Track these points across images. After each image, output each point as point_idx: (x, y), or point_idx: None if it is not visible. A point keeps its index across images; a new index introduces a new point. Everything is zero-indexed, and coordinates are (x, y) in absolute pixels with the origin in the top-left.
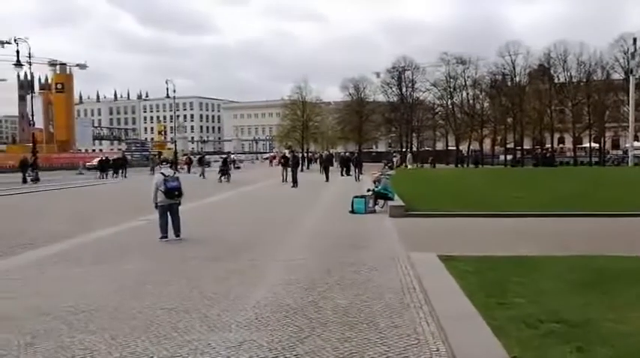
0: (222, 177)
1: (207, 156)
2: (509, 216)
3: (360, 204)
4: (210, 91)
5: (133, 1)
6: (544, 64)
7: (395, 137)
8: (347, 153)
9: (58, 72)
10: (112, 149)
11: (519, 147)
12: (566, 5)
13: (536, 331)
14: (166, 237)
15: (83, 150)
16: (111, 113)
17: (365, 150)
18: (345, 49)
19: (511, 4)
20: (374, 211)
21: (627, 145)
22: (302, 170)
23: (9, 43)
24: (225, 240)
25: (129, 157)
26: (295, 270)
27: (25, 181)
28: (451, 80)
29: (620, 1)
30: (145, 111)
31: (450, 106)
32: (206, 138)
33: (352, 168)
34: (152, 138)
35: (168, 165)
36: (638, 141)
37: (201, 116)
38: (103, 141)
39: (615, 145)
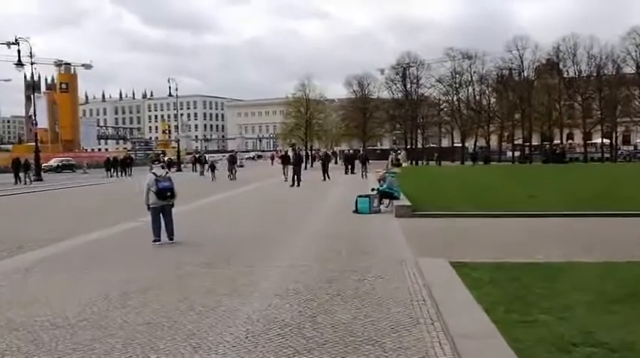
0: (229, 175)
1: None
2: (524, 216)
3: (365, 203)
4: (216, 90)
5: (137, 2)
6: (552, 59)
7: (399, 134)
8: (351, 151)
9: (62, 72)
10: (117, 148)
11: (527, 144)
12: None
13: (571, 357)
14: (159, 241)
15: (89, 150)
16: (116, 112)
17: (369, 148)
18: (349, 46)
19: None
20: (379, 211)
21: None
22: (305, 168)
23: (15, 43)
24: (221, 243)
25: (133, 156)
26: (293, 278)
27: (18, 182)
28: (457, 76)
29: None
30: (149, 111)
31: (456, 102)
32: (210, 137)
33: (359, 165)
34: (157, 137)
35: (160, 164)
36: None
37: (205, 114)
38: (109, 141)
39: (626, 141)
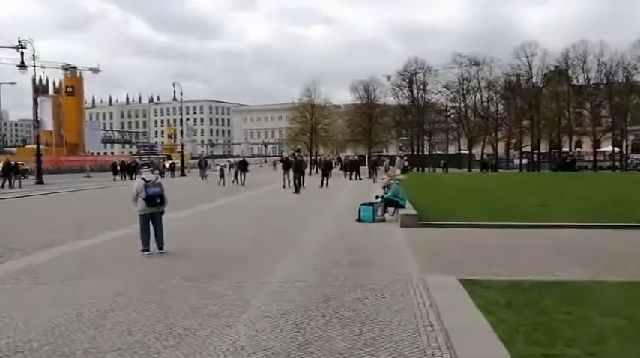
0: (235, 181)
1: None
2: (536, 226)
3: (368, 211)
4: (222, 95)
5: (144, 7)
6: (561, 66)
7: (406, 140)
8: (356, 157)
9: (68, 75)
10: (122, 152)
11: (535, 151)
12: (580, 7)
13: None
14: (148, 250)
15: (95, 153)
16: (122, 117)
17: (375, 154)
18: (355, 52)
19: (524, 6)
20: (383, 220)
21: None
22: (310, 174)
23: (20, 47)
24: (213, 254)
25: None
26: (287, 296)
27: (9, 185)
28: (464, 82)
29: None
30: (156, 115)
31: (463, 109)
32: (215, 141)
33: (365, 170)
34: (163, 142)
35: (150, 169)
36: None
37: (211, 119)
38: (115, 145)
39: (635, 149)
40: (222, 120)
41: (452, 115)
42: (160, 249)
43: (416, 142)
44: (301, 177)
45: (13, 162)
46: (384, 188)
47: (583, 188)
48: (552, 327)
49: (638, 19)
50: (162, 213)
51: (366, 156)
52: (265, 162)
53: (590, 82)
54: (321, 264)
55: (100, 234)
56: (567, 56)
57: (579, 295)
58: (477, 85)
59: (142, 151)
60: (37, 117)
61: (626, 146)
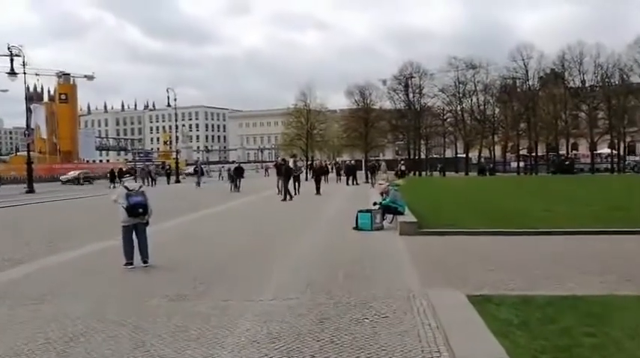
0: (233, 187)
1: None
2: (541, 233)
3: (366, 219)
4: (218, 101)
5: (138, 14)
6: (557, 68)
7: (402, 144)
8: (352, 162)
9: (61, 82)
10: (117, 159)
11: (532, 154)
12: (574, 9)
13: None
14: (132, 264)
15: (91, 161)
16: (118, 124)
17: (371, 158)
18: (349, 57)
19: (518, 10)
20: (382, 227)
21: None
22: (306, 179)
23: (18, 55)
24: (200, 268)
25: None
26: (278, 316)
27: None
28: (460, 85)
29: (626, 4)
30: (151, 122)
31: (460, 112)
32: (210, 148)
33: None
34: (158, 148)
35: (132, 177)
36: None
37: (206, 125)
38: (110, 152)
39: (631, 151)
40: (218, 126)
41: (448, 119)
42: (145, 262)
43: (412, 146)
44: (296, 184)
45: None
46: (381, 194)
47: (584, 191)
48: (578, 354)
49: (633, 20)
50: (147, 223)
51: (363, 160)
52: (261, 167)
53: (587, 84)
54: (316, 277)
55: (82, 247)
56: (564, 58)
57: (600, 312)
58: (474, 89)
59: (137, 158)
60: (27, 124)
61: (624, 148)
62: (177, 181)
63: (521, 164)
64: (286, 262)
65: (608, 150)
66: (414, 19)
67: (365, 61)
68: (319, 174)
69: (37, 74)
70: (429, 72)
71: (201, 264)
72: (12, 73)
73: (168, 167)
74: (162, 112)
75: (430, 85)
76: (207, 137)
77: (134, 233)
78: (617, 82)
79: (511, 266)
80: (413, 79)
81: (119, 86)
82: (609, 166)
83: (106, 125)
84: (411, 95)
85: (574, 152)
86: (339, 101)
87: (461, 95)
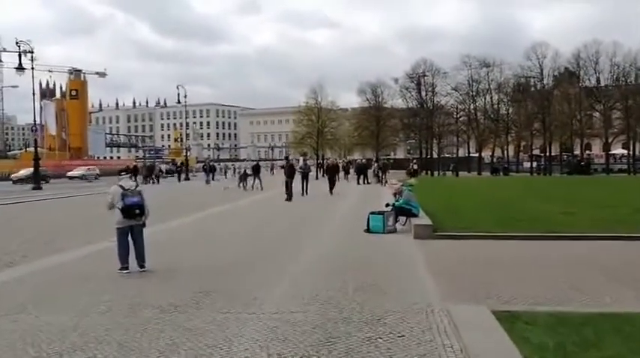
0: (243, 184)
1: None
2: (565, 238)
3: (378, 221)
4: (229, 99)
5: (147, 12)
6: (572, 67)
7: (414, 143)
8: (364, 160)
9: (72, 79)
10: (129, 156)
11: (547, 154)
12: (588, 8)
13: None
14: (127, 269)
15: (102, 158)
16: (129, 121)
17: (382, 157)
18: (360, 56)
19: (531, 9)
20: (395, 230)
21: None
22: (317, 178)
23: (31, 52)
24: (200, 273)
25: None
26: (279, 334)
27: None
28: (474, 84)
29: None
30: (162, 119)
31: (473, 111)
32: (221, 145)
33: (379, 173)
34: (169, 145)
35: (128, 175)
36: None
37: (217, 123)
38: (121, 149)
39: None
40: (229, 123)
41: (461, 118)
42: (142, 267)
43: (424, 145)
44: (304, 183)
45: None
46: (394, 195)
47: (603, 193)
48: None
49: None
50: (144, 225)
51: (374, 159)
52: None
53: (603, 84)
54: (323, 287)
55: (77, 248)
56: (579, 57)
57: None
58: (487, 87)
59: (148, 155)
60: (35, 121)
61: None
62: (187, 178)
63: (534, 164)
64: (292, 269)
65: (623, 151)
66: (425, 18)
67: (376, 59)
68: (333, 173)
69: (49, 71)
70: (441, 70)
71: (203, 269)
72: (20, 68)
73: (179, 164)
74: (173, 110)
75: (443, 83)
76: (217, 135)
77: (130, 235)
78: (633, 82)
79: (537, 275)
80: (426, 77)
81: (130, 83)
82: (624, 167)
83: (117, 122)
84: (423, 93)
85: (587, 152)
86: (350, 100)
87: (474, 94)
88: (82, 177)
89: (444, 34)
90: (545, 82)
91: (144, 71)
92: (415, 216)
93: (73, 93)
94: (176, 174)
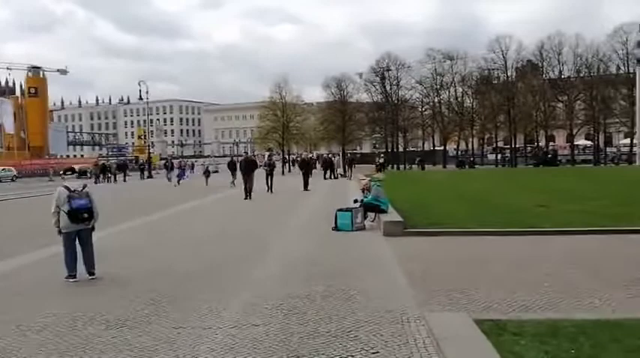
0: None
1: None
2: (542, 233)
3: (346, 218)
4: (192, 95)
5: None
6: (536, 58)
7: (380, 137)
8: (330, 155)
9: (30, 76)
10: (92, 154)
11: (512, 146)
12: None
13: None
14: (75, 277)
15: (65, 156)
16: (92, 118)
17: (349, 152)
18: (325, 52)
19: (494, 3)
20: (363, 227)
21: (636, 142)
22: (283, 173)
23: None
24: (154, 281)
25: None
26: (237, 353)
27: None
28: (438, 77)
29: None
30: (125, 116)
31: (437, 104)
32: (185, 142)
33: (345, 168)
34: (133, 143)
35: (75, 175)
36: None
37: (181, 119)
38: (84, 147)
39: (608, 142)
40: (193, 120)
41: (426, 111)
42: (91, 274)
43: (390, 139)
44: (268, 179)
45: None
46: (363, 190)
47: (575, 185)
48: None
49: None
50: (93, 229)
51: (340, 154)
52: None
53: (566, 75)
54: (288, 293)
55: (23, 254)
56: (542, 48)
57: None
58: (451, 80)
59: (111, 153)
60: None
61: (604, 139)
62: (150, 176)
63: (499, 156)
64: (255, 273)
65: (586, 142)
66: (389, 13)
67: (341, 55)
68: (307, 168)
69: (8, 68)
70: (406, 64)
71: (157, 276)
72: None
73: (142, 162)
74: (136, 106)
75: (407, 77)
76: (182, 131)
77: (77, 240)
78: (595, 73)
79: (519, 276)
80: (390, 71)
81: (93, 81)
82: (588, 158)
83: (80, 120)
84: (388, 87)
85: (551, 144)
86: (315, 94)
87: (438, 87)
88: None
89: (408, 28)
90: (509, 74)
91: (106, 68)
92: (384, 211)
93: (32, 90)
94: (139, 172)
